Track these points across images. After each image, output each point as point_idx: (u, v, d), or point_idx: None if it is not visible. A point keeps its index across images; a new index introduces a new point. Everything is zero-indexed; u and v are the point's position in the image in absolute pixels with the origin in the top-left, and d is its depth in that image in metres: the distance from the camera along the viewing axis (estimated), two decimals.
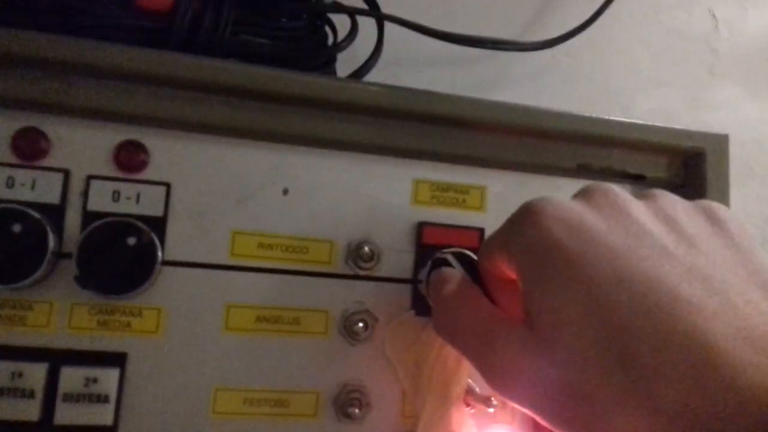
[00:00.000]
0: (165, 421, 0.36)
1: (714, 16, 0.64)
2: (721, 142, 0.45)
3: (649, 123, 0.44)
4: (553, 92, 0.59)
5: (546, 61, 0.58)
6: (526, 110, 0.42)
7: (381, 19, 0.47)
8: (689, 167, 0.45)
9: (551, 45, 0.55)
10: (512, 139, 0.42)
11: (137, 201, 0.36)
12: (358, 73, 0.47)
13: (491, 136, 0.42)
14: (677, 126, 0.45)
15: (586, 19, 0.57)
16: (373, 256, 0.40)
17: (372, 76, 0.48)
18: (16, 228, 0.32)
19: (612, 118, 0.43)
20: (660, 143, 0.44)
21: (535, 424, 0.42)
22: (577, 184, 0.44)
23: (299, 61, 0.43)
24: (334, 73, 0.46)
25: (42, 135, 0.35)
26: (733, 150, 0.63)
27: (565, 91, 0.59)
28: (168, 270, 0.36)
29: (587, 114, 0.43)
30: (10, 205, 0.33)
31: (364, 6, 0.47)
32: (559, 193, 0.44)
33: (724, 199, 0.44)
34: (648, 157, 0.45)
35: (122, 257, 0.34)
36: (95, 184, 0.36)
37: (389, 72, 0.51)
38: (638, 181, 0.45)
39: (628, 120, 0.43)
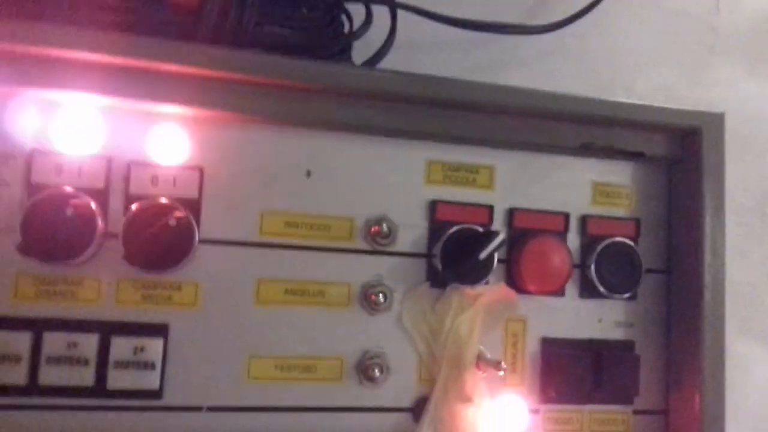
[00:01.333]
0: (206, 385, 0.39)
1: None
2: (717, 120, 0.47)
3: (648, 103, 0.46)
4: (559, 72, 0.61)
5: (552, 43, 0.60)
6: (532, 93, 0.44)
7: (394, 7, 0.49)
8: (686, 144, 0.48)
9: (557, 28, 0.57)
10: (519, 121, 0.45)
11: (174, 184, 0.39)
12: (373, 59, 0.49)
13: (499, 118, 0.45)
14: (677, 103, 0.48)
15: (591, 2, 0.59)
16: (390, 233, 0.43)
17: (386, 60, 0.50)
18: (69, 211, 0.36)
19: (612, 99, 0.46)
20: (658, 122, 0.47)
21: (542, 388, 0.45)
22: (580, 162, 0.47)
23: (318, 49, 0.45)
24: (350, 59, 0.48)
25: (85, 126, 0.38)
26: (732, 126, 0.65)
27: (571, 71, 0.61)
28: (204, 248, 0.39)
29: (589, 95, 0.45)
30: (62, 191, 0.36)
31: None
32: (562, 171, 0.47)
33: (719, 173, 0.47)
34: (647, 135, 0.47)
35: (163, 236, 0.37)
36: (135, 169, 0.39)
37: (402, 55, 0.53)
38: (638, 158, 0.48)
39: (627, 101, 0.46)
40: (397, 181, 0.44)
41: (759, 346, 0.63)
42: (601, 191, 0.48)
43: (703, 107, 0.48)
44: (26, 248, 0.36)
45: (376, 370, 0.41)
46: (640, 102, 0.46)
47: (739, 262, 0.64)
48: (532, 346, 0.46)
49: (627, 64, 0.63)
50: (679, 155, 0.48)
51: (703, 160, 0.47)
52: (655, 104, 0.47)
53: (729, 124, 0.65)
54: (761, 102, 0.66)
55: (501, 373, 0.42)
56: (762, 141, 0.66)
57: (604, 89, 0.62)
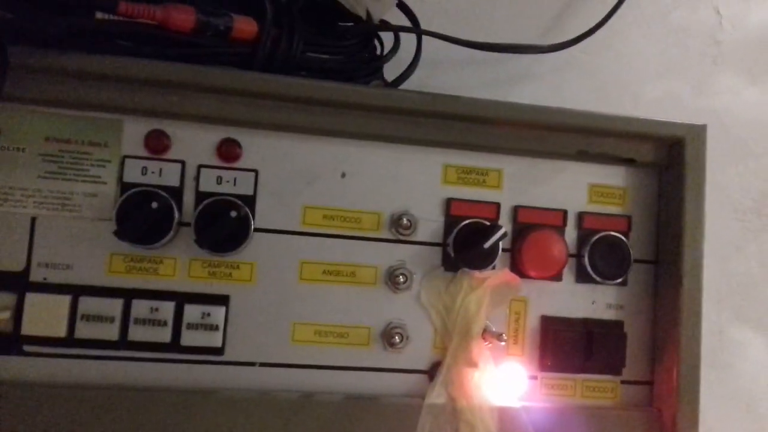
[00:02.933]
0: (258, 345, 0.48)
1: (718, 12, 0.73)
2: (699, 131, 0.54)
3: (637, 116, 0.53)
4: (571, 86, 0.68)
5: (564, 60, 0.67)
6: (534, 108, 0.52)
7: (420, 34, 0.57)
8: (672, 152, 0.55)
9: (568, 46, 0.64)
10: (523, 131, 0.53)
11: (235, 184, 0.49)
12: (401, 77, 0.57)
13: (506, 129, 0.52)
14: (683, 111, 0.54)
15: (599, 21, 0.66)
16: (411, 225, 0.51)
17: (413, 77, 0.58)
18: (154, 204, 0.45)
19: (605, 112, 0.53)
20: (647, 132, 0.54)
21: (540, 358, 0.53)
22: (578, 167, 0.55)
23: (354, 72, 0.54)
24: (382, 77, 0.57)
25: (165, 135, 0.48)
26: (733, 131, 0.72)
27: (581, 84, 0.68)
28: (258, 235, 0.49)
29: (584, 109, 0.52)
30: (147, 188, 0.46)
31: (407, 23, 0.57)
32: (562, 174, 0.54)
33: (700, 178, 0.53)
34: (637, 144, 0.54)
35: (226, 225, 0.46)
36: (204, 171, 0.48)
37: (428, 72, 0.61)
38: (630, 164, 0.55)
39: (618, 114, 0.53)
40: (418, 181, 0.52)
41: (753, 332, 0.70)
42: (597, 192, 0.55)
43: (706, 115, 0.55)
44: (120, 233, 0.45)
45: (398, 338, 0.50)
46: (630, 115, 0.53)
47: (737, 256, 0.70)
48: (532, 322, 0.53)
49: (634, 76, 0.70)
50: (666, 162, 0.55)
51: (685, 167, 0.53)
52: (646, 117, 0.53)
53: (730, 130, 0.72)
54: (761, 109, 0.72)
55: (503, 343, 0.50)
56: (761, 145, 0.72)
57: (613, 100, 0.69)
